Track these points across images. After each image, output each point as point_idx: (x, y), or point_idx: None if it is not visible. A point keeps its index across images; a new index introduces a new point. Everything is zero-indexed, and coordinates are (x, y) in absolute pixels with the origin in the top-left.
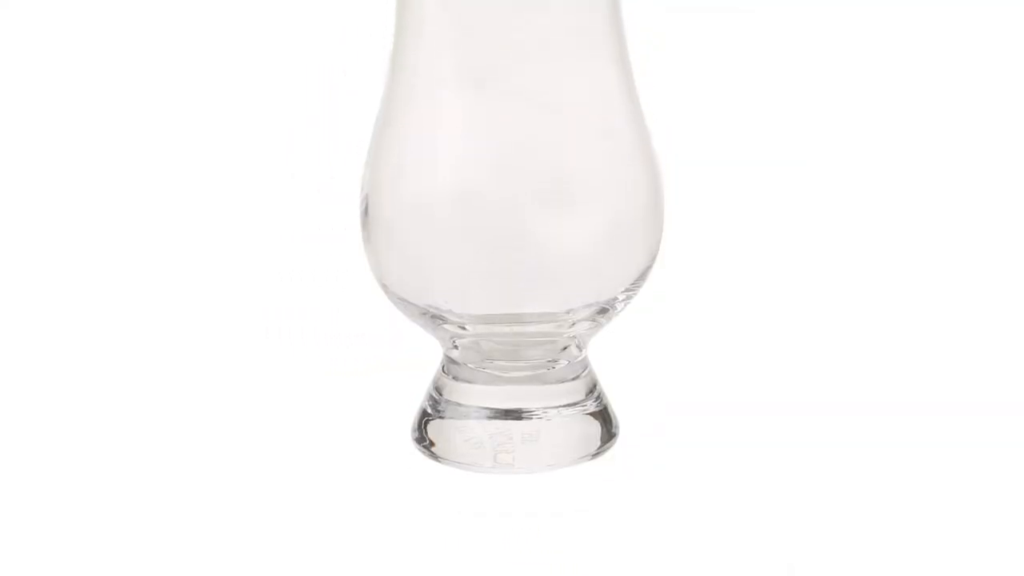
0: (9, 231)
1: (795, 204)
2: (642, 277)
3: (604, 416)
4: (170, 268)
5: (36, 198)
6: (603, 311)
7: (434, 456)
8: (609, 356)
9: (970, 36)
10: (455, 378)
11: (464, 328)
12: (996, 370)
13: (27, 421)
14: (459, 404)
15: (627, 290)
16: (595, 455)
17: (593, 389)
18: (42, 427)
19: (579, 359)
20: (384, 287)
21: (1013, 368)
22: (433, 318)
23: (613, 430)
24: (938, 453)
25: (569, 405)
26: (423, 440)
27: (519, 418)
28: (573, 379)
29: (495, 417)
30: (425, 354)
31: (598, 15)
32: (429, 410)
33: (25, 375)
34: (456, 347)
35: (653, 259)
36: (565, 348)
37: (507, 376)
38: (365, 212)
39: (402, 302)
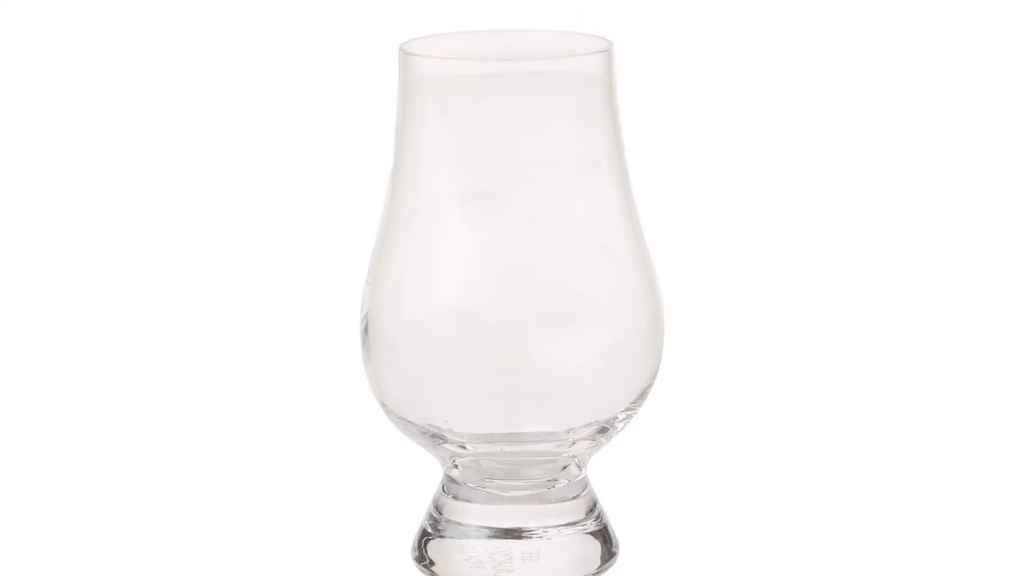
0: (9, 232)
1: (792, 314)
2: (642, 396)
3: (604, 535)
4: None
5: (35, 198)
6: (603, 430)
7: None
8: (609, 475)
9: (968, 36)
10: (455, 497)
11: (464, 447)
12: (996, 371)
13: (27, 422)
14: (459, 523)
15: (627, 409)
16: (595, 575)
17: (593, 508)
18: (40, 428)
19: (579, 478)
20: (383, 406)
21: (1013, 368)
22: (433, 437)
23: (613, 549)
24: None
25: (569, 524)
26: (423, 559)
27: (519, 537)
28: (573, 498)
29: (495, 536)
30: (425, 473)
31: (599, 134)
32: (429, 529)
33: (24, 375)
34: (456, 466)
35: (653, 378)
36: (565, 467)
37: (507, 495)
38: (365, 331)
39: (402, 421)
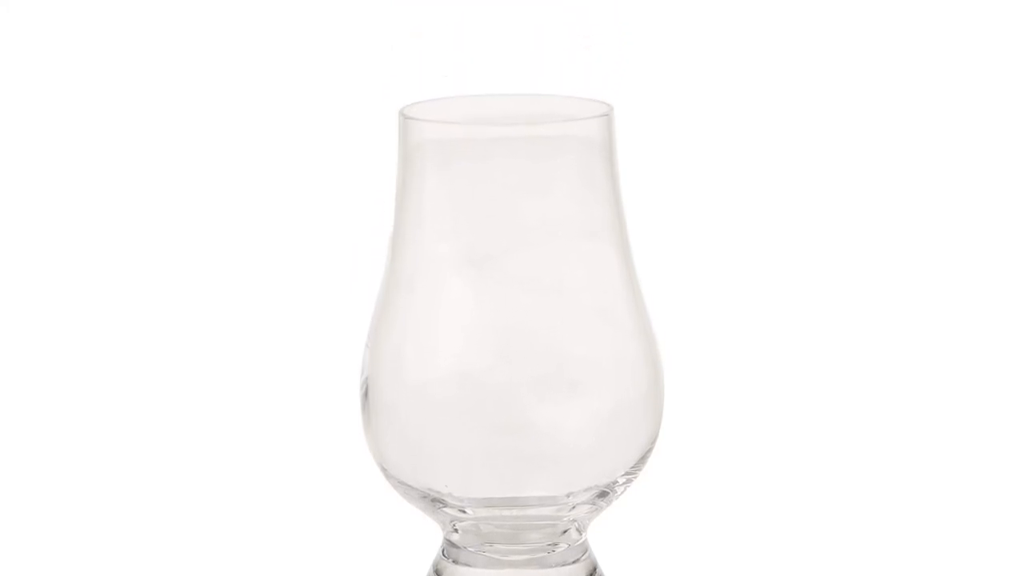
0: (10, 232)
1: (793, 378)
2: (642, 460)
3: None
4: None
5: (36, 199)
6: (603, 494)
7: None
8: (609, 539)
9: (967, 39)
10: (455, 561)
11: (464, 511)
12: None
13: (28, 422)
14: None
15: (627, 473)
16: None
17: (593, 572)
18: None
19: (579, 542)
20: (383, 470)
21: (1013, 368)
22: (433, 501)
23: None
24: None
25: None
26: None
27: None
28: (573, 562)
29: None
30: (425, 537)
31: (599, 198)
32: None
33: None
34: (456, 530)
35: (653, 442)
36: (565, 531)
37: (507, 559)
38: (365, 395)
39: (401, 485)
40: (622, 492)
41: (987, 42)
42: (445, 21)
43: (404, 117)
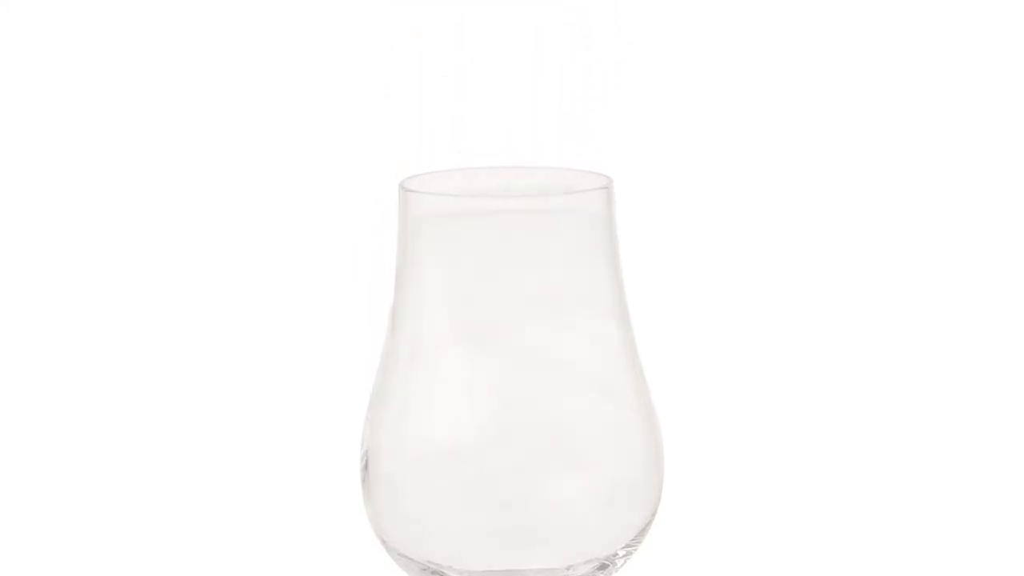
0: (10, 233)
1: (795, 448)
2: (643, 532)
3: None
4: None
5: (36, 199)
6: (603, 567)
7: None
8: None
9: (966, 45)
10: None
11: None
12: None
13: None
14: None
15: (627, 546)
16: None
17: None
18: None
19: None
20: (384, 543)
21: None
22: (433, 574)
23: None
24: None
25: None
26: None
27: None
28: None
29: None
30: None
31: (598, 271)
32: None
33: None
34: None
35: (654, 514)
36: None
37: None
38: (365, 467)
39: (402, 558)
40: (622, 564)
41: (987, 42)
42: (445, 21)
43: (404, 190)
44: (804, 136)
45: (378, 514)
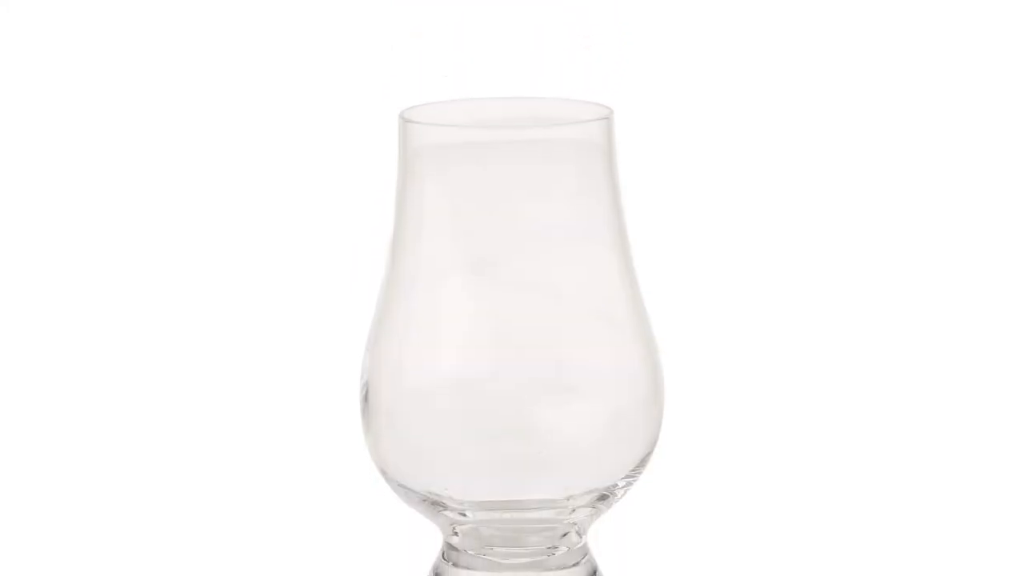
0: (10, 233)
1: (794, 378)
2: (643, 463)
3: None
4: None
5: (36, 199)
6: (603, 497)
7: None
8: (609, 542)
9: (967, 42)
10: (455, 565)
11: (464, 514)
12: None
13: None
14: None
15: (627, 476)
16: None
17: (593, 575)
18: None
19: (579, 546)
20: (383, 473)
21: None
22: (433, 504)
23: None
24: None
25: None
26: None
27: None
28: (573, 566)
29: None
30: (424, 540)
31: (599, 202)
32: None
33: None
34: (456, 533)
35: (653, 445)
36: (565, 535)
37: (507, 563)
38: (365, 398)
39: (402, 488)
40: (622, 495)
41: (987, 42)
42: (445, 21)
43: (404, 120)
44: (808, 72)
45: (378, 444)
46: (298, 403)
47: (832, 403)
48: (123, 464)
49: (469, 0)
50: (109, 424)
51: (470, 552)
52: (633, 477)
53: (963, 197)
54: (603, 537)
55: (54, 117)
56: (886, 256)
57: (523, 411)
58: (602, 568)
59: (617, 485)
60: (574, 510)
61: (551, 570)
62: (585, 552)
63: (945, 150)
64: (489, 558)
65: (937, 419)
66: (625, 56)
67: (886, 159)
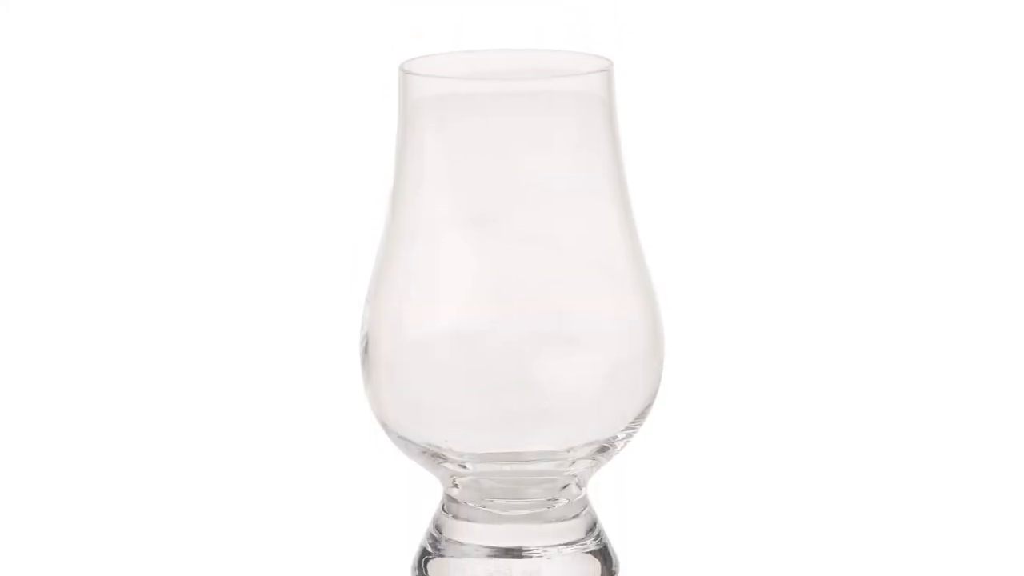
0: (9, 232)
1: (793, 332)
2: (642, 415)
3: (604, 555)
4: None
5: (35, 199)
6: (603, 449)
7: None
8: (609, 494)
9: (968, 37)
10: (455, 516)
11: (464, 466)
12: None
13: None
14: (459, 543)
15: (627, 428)
16: None
17: (593, 527)
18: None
19: (579, 497)
20: (384, 425)
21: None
22: (433, 456)
23: (613, 568)
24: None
25: (569, 544)
26: None
27: (519, 556)
28: (573, 517)
29: (495, 555)
30: (425, 492)
31: (599, 154)
32: (429, 548)
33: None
34: (456, 486)
35: (653, 397)
36: (565, 487)
37: (507, 515)
38: (365, 351)
39: (402, 440)
40: (622, 447)
41: (987, 42)
42: (445, 21)
43: (404, 72)
44: (809, 26)
45: (378, 397)
46: (297, 356)
47: (831, 357)
48: (123, 412)
49: (469, 0)
50: (108, 375)
51: (470, 504)
52: (633, 429)
53: (962, 187)
54: (603, 489)
55: (51, 112)
56: (886, 205)
57: (523, 363)
58: (602, 520)
59: (617, 437)
60: (574, 462)
61: (551, 522)
62: (585, 504)
63: (941, 126)
64: (489, 510)
65: (933, 377)
66: (626, 8)
67: (885, 116)
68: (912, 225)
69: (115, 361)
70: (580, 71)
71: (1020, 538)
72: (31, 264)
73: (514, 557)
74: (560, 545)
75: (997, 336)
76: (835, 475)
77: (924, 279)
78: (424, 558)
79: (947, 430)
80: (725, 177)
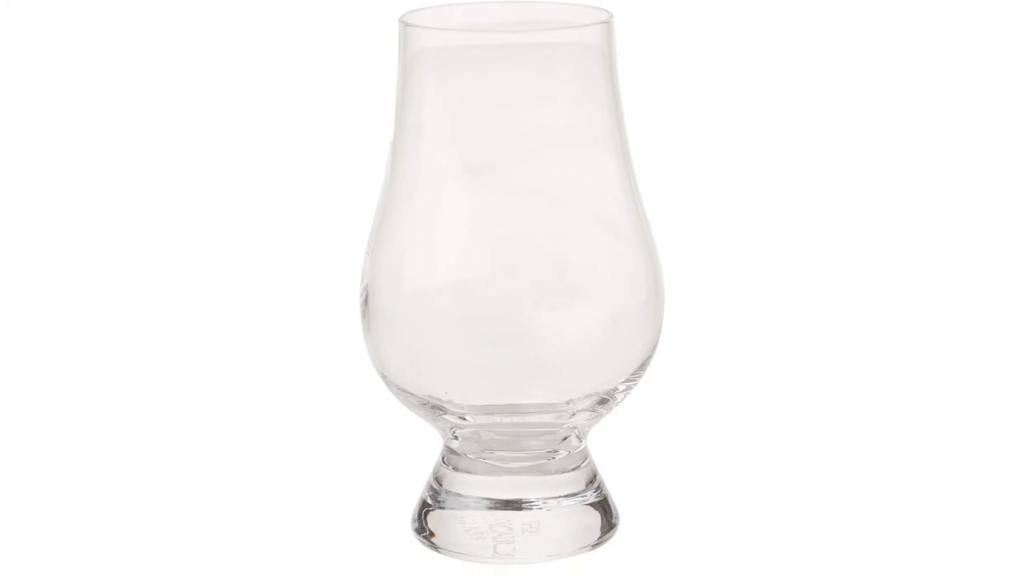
0: (8, 231)
1: (792, 286)
2: (642, 367)
3: (604, 507)
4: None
5: (35, 198)
6: (603, 401)
7: (434, 547)
8: (609, 446)
9: (969, 33)
10: (455, 468)
11: (464, 418)
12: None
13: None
14: (459, 495)
15: (627, 380)
16: (595, 546)
17: (593, 479)
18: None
19: (579, 449)
20: (384, 377)
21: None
22: (433, 408)
23: (613, 520)
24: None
25: (569, 496)
26: (423, 531)
27: (519, 508)
28: (573, 469)
29: (495, 508)
30: (425, 444)
31: (599, 106)
32: (429, 500)
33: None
34: (456, 437)
35: (653, 349)
36: (565, 438)
37: (507, 467)
38: (365, 302)
39: (402, 392)
40: (622, 399)
41: (987, 42)
42: None
43: (404, 24)
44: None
45: (378, 348)
46: (297, 308)
47: (831, 310)
48: (123, 360)
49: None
50: (105, 326)
51: (470, 456)
52: (633, 381)
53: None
54: (604, 441)
55: (52, 110)
56: (884, 157)
57: (523, 315)
58: (602, 473)
59: (617, 389)
60: (574, 414)
61: (551, 473)
62: (585, 456)
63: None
64: (489, 462)
65: (931, 323)
66: None
67: (884, 71)
68: (907, 178)
69: (113, 309)
70: (580, 23)
71: (1016, 533)
72: (21, 244)
73: (514, 509)
74: (560, 497)
75: (994, 325)
76: (834, 428)
77: (918, 231)
78: (424, 510)
79: (942, 383)
80: (725, 129)
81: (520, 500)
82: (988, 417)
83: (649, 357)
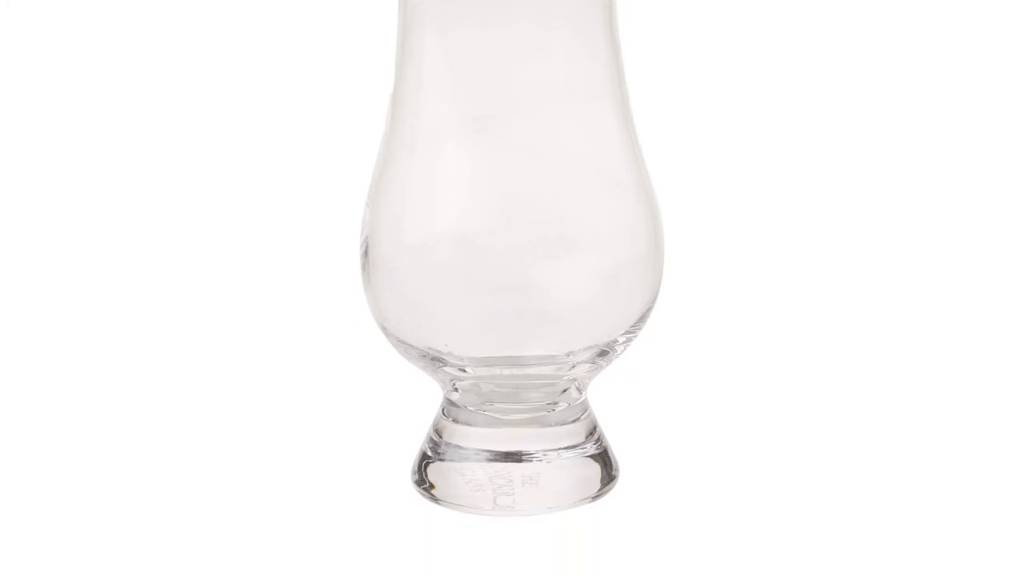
0: (8, 230)
1: (794, 244)
2: (642, 320)
3: (604, 459)
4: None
5: (34, 197)
6: (603, 353)
7: (434, 499)
8: (609, 398)
9: (970, 32)
10: (455, 420)
11: (464, 371)
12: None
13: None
14: (459, 447)
15: (627, 332)
16: (595, 498)
17: (593, 431)
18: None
19: (579, 401)
20: (384, 329)
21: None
22: (433, 360)
23: (613, 472)
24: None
25: (569, 448)
26: (423, 483)
27: (519, 460)
28: (573, 422)
29: (495, 460)
30: (425, 397)
31: (599, 63)
32: (429, 453)
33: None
34: (456, 390)
35: (653, 302)
36: (565, 391)
37: (507, 419)
38: (365, 254)
39: (402, 344)
40: (622, 351)
41: (987, 41)
42: None
43: None
44: None
45: (378, 300)
46: (297, 260)
47: (830, 267)
48: (129, 317)
49: None
50: (111, 288)
51: (470, 408)
52: (633, 333)
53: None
54: (604, 394)
55: (52, 110)
56: (883, 117)
57: (523, 266)
58: (602, 425)
59: (617, 341)
60: (574, 366)
61: (551, 426)
62: (585, 408)
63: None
64: (489, 414)
65: (927, 276)
66: None
67: (889, 37)
68: (907, 141)
69: (117, 268)
70: None
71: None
72: (19, 240)
73: (514, 461)
74: (560, 449)
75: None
76: (833, 383)
77: (916, 191)
78: (424, 462)
79: (934, 340)
80: (726, 84)
81: (520, 452)
82: (982, 405)
83: (649, 309)
